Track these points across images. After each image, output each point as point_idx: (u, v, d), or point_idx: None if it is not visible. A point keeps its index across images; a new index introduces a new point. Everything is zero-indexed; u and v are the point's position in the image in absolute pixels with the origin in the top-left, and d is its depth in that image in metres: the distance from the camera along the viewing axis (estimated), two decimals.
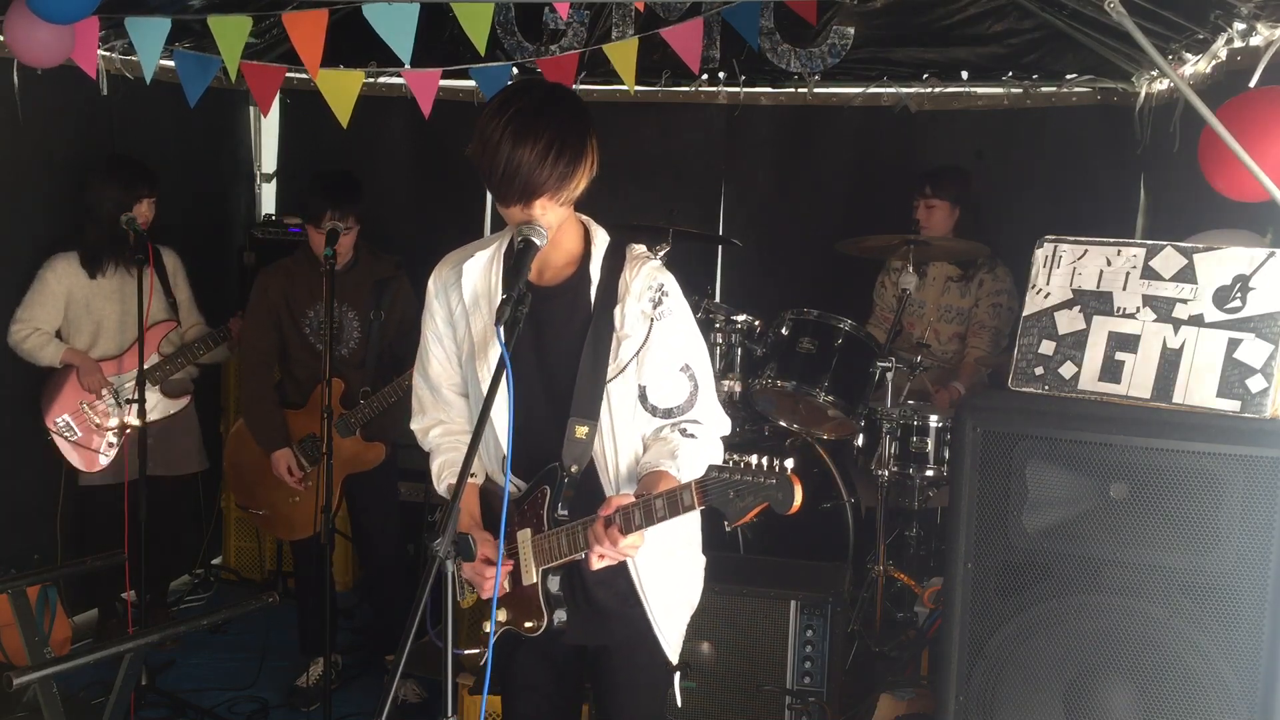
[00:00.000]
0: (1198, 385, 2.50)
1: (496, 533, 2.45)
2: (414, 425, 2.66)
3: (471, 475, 2.53)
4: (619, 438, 2.40)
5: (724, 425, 2.48)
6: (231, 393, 5.49)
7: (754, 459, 2.08)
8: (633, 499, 2.21)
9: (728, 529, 2.17)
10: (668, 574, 2.49)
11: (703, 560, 2.61)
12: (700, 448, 2.38)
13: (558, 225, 2.32)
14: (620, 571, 2.40)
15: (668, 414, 2.41)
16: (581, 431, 2.36)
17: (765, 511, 2.08)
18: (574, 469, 2.38)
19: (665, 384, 2.40)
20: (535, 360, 2.43)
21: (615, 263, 2.41)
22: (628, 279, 2.39)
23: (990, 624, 2.60)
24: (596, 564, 2.26)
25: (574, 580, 2.44)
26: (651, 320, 2.37)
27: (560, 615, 2.42)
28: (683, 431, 2.39)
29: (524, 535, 2.42)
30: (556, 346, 2.41)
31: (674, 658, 2.53)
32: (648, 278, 2.39)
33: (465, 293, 2.43)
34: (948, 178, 4.73)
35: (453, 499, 2.05)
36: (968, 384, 4.61)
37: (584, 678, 2.68)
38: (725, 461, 2.12)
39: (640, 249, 2.47)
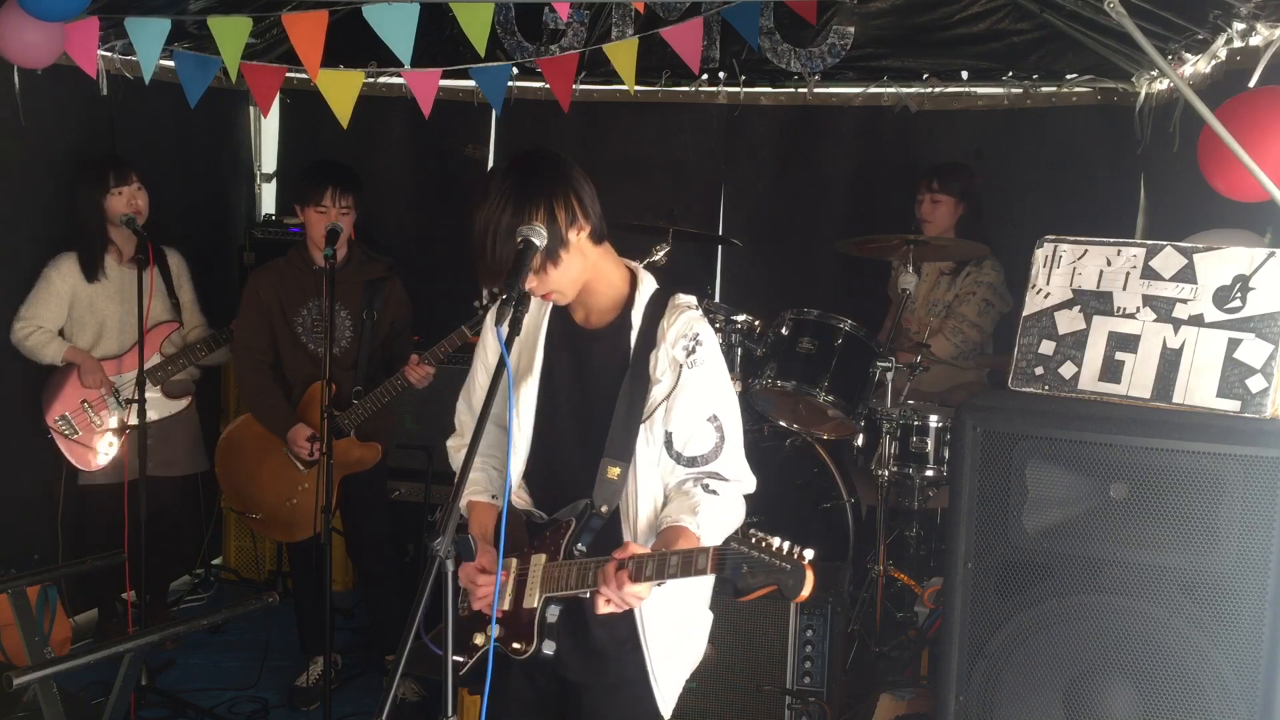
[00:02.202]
0: (1198, 385, 2.50)
1: (507, 553, 2.48)
2: (450, 443, 2.73)
3: (493, 497, 2.57)
4: (641, 482, 2.42)
5: (749, 483, 2.48)
6: (232, 393, 5.49)
7: (776, 540, 2.08)
8: (649, 550, 2.23)
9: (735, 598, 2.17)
10: (673, 623, 2.48)
11: (710, 617, 2.60)
12: (721, 505, 2.38)
13: (570, 284, 2.37)
14: (624, 614, 2.39)
15: (691, 463, 2.42)
16: (614, 472, 2.39)
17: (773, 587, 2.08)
18: (604, 509, 2.41)
19: (691, 432, 2.41)
20: (575, 398, 2.49)
21: (657, 310, 2.46)
22: (665, 326, 2.43)
23: (990, 624, 2.60)
24: (602, 608, 2.26)
25: (576, 617, 2.45)
26: (682, 367, 2.39)
27: (549, 646, 2.41)
28: (705, 487, 2.39)
29: (538, 560, 2.43)
30: (595, 388, 2.46)
31: (666, 711, 2.51)
32: (684, 326, 2.42)
33: None
34: (954, 173, 4.74)
35: (452, 499, 2.05)
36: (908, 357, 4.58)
37: (564, 705, 2.64)
38: (749, 534, 2.11)
39: (685, 299, 2.49)
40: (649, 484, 2.43)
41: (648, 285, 2.49)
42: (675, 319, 2.44)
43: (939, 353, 4.62)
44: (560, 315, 2.52)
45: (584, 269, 2.39)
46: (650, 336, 2.43)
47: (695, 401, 2.40)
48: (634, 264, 2.54)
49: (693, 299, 2.51)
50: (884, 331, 4.84)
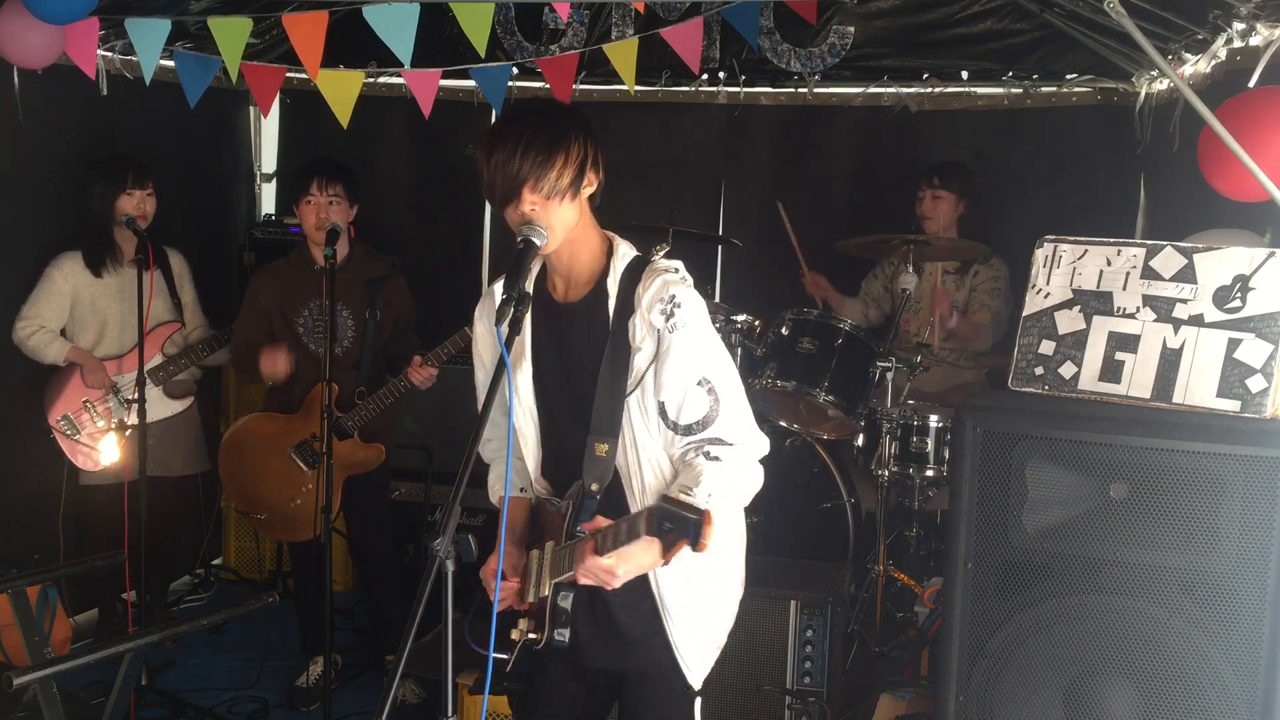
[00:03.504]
0: (1198, 385, 2.50)
1: (533, 545, 2.47)
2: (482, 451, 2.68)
3: (520, 489, 2.55)
4: (641, 453, 2.38)
5: (760, 445, 2.40)
6: (232, 394, 5.49)
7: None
8: (610, 524, 2.21)
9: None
10: (692, 601, 2.45)
11: (738, 592, 2.56)
12: (727, 471, 2.32)
13: (564, 228, 2.31)
14: (644, 595, 2.39)
15: (688, 430, 2.35)
16: (601, 449, 2.35)
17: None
18: (594, 487, 2.37)
19: (683, 399, 2.34)
20: (561, 376, 2.43)
21: (634, 277, 2.39)
22: (640, 291, 2.36)
23: (990, 624, 2.60)
24: (581, 580, 2.25)
25: (597, 603, 2.42)
26: (661, 332, 2.32)
27: (561, 634, 2.36)
28: (707, 455, 2.33)
29: (549, 546, 2.42)
30: (580, 363, 2.41)
31: (696, 683, 2.49)
32: (659, 289, 2.34)
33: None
34: (954, 170, 4.74)
35: (452, 499, 2.04)
36: (964, 325, 4.63)
37: (613, 694, 2.65)
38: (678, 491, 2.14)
39: (664, 263, 2.42)
40: (650, 456, 2.38)
41: (624, 252, 2.42)
42: (650, 283, 2.36)
43: (982, 344, 4.66)
44: (536, 292, 2.46)
45: (575, 225, 2.34)
46: (628, 304, 2.36)
47: (681, 366, 2.32)
48: (612, 233, 2.47)
49: (677, 263, 2.44)
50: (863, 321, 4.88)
